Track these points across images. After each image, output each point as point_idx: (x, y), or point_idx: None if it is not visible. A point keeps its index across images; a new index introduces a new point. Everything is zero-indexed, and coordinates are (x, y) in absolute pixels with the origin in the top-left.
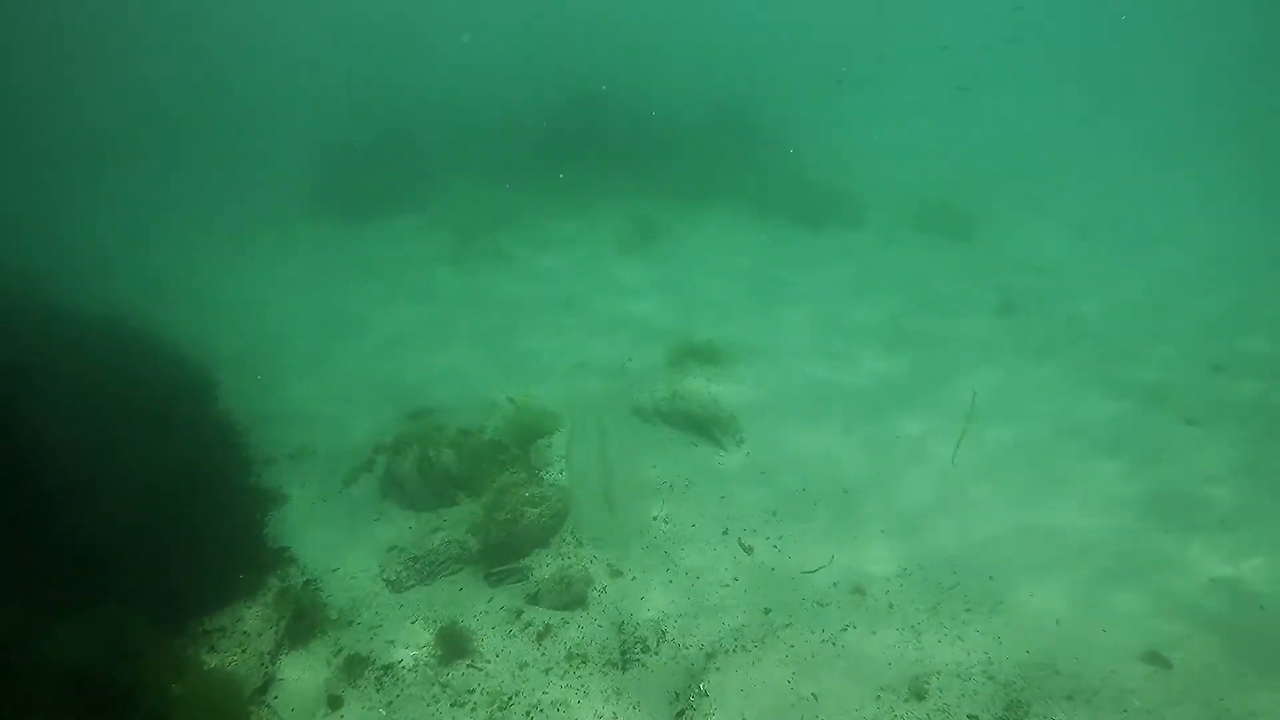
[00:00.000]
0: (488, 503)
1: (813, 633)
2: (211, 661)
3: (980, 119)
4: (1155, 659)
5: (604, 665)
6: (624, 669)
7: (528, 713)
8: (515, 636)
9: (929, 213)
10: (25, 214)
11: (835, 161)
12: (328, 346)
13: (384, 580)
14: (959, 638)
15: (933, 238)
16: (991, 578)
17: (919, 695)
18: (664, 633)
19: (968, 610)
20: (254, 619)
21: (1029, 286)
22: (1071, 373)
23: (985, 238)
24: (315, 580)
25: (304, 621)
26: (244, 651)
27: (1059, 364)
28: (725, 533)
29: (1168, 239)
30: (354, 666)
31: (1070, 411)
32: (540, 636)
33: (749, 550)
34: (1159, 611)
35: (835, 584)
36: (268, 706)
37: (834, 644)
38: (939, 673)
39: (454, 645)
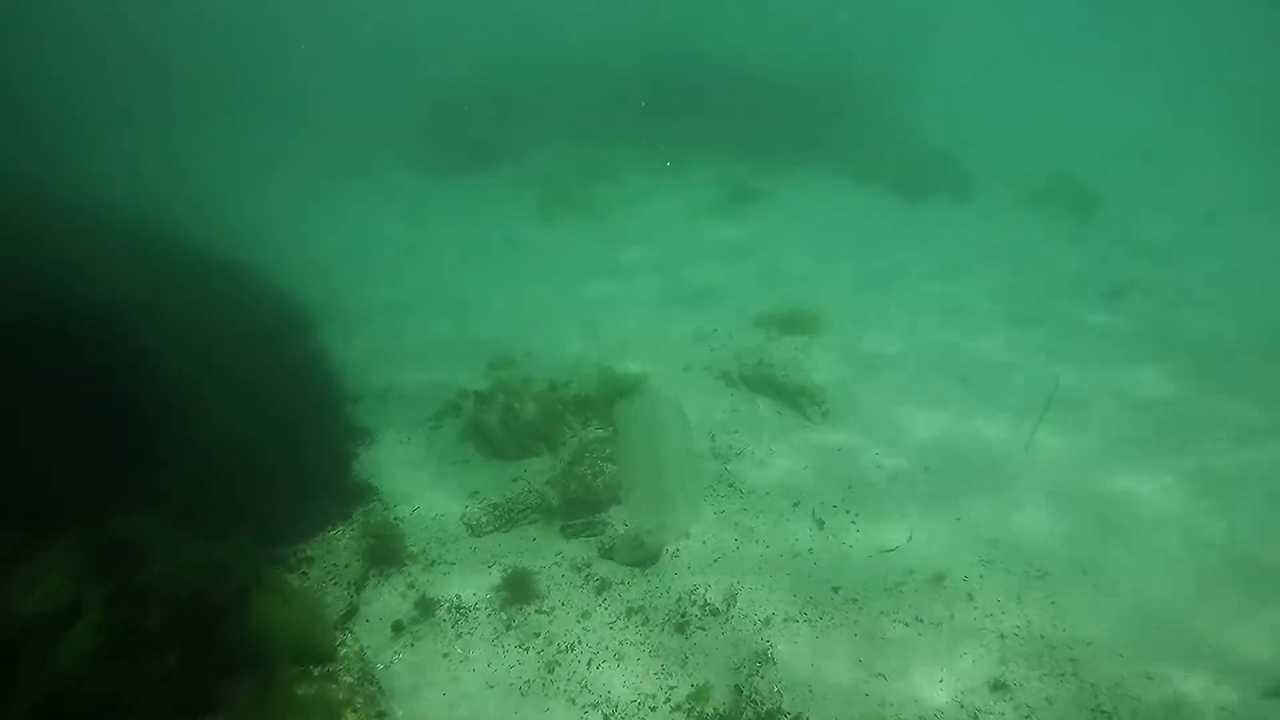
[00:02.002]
0: (568, 456)
1: (884, 614)
2: (302, 586)
3: (1122, 91)
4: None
5: (666, 624)
6: (687, 630)
7: (589, 661)
8: (581, 588)
9: (1046, 186)
10: (149, 159)
11: (944, 129)
12: (417, 293)
13: (464, 523)
14: (1041, 636)
15: (1048, 215)
16: (1084, 572)
17: (995, 687)
18: (733, 598)
19: (1053, 604)
20: (341, 549)
21: (1148, 276)
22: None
23: (1108, 218)
24: (398, 517)
25: (386, 555)
26: (331, 580)
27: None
28: (796, 505)
29: None
30: (429, 601)
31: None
32: (603, 589)
33: (821, 524)
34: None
35: (912, 571)
36: (351, 633)
37: (906, 626)
38: (1018, 666)
39: (523, 590)
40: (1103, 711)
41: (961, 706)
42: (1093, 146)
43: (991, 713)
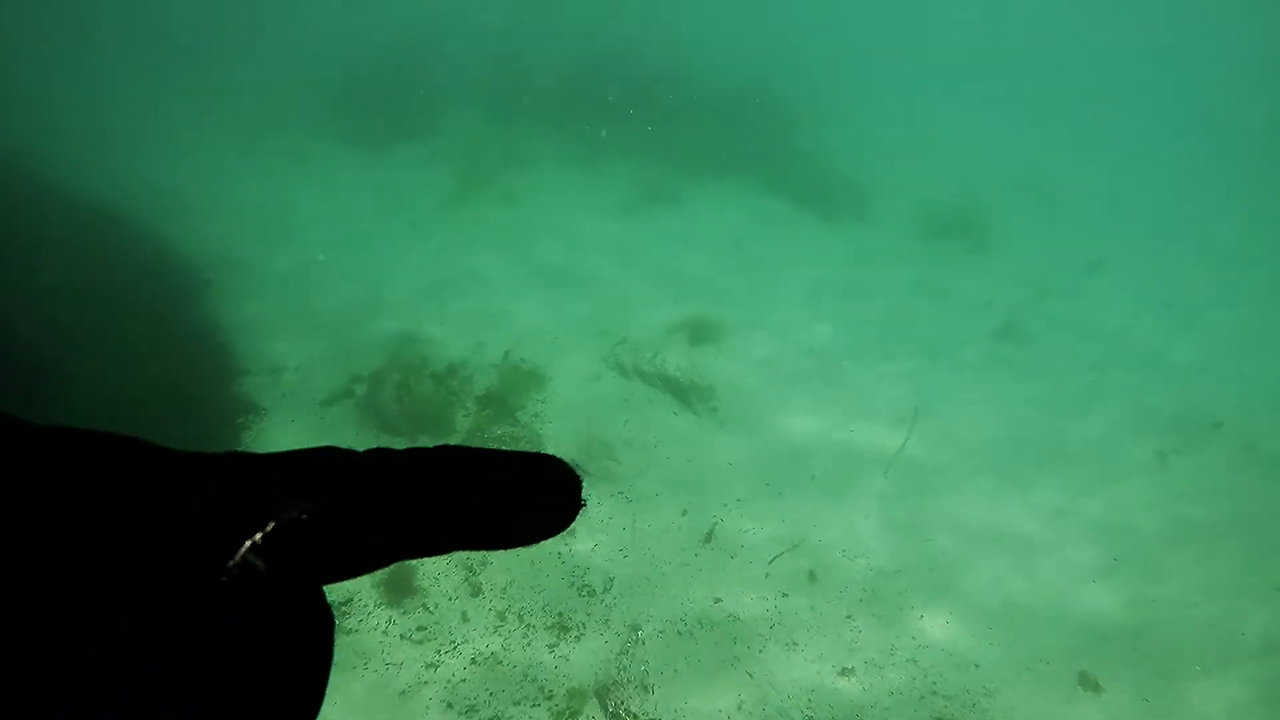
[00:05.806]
0: (462, 436)
1: (762, 635)
2: None
3: (1043, 127)
4: (1087, 681)
5: (545, 628)
6: (566, 634)
7: (473, 659)
8: (465, 582)
9: (946, 217)
10: (34, 97)
11: (861, 155)
12: (313, 266)
13: None
14: (894, 641)
15: (944, 244)
16: (931, 570)
17: (846, 674)
18: (613, 602)
19: (901, 594)
20: None
21: (1033, 315)
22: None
23: (1002, 251)
24: None
25: None
26: None
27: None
28: (684, 513)
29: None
30: None
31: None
32: (483, 589)
33: (709, 537)
34: (1080, 637)
35: (774, 583)
36: None
37: (786, 646)
38: (866, 651)
39: (405, 584)
40: (935, 694)
41: (815, 693)
42: (1014, 182)
43: (844, 693)
